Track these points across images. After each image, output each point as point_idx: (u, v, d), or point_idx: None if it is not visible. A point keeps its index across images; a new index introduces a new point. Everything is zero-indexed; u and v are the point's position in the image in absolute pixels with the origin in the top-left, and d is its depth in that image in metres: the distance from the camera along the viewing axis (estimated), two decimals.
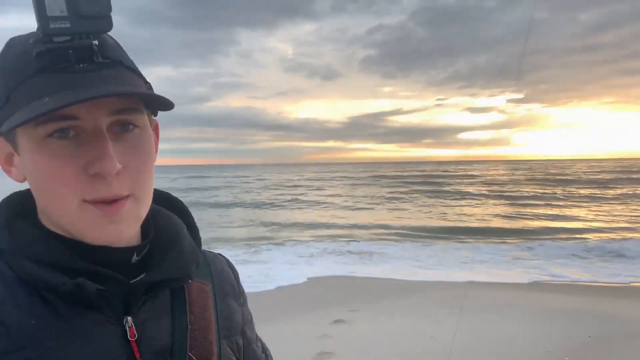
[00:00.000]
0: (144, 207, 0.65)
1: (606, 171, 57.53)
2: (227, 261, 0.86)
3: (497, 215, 19.61)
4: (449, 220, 18.29)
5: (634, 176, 42.77)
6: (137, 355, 0.63)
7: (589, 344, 5.12)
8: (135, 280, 0.65)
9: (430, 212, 21.77)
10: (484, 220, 18.26)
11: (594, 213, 19.85)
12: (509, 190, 32.06)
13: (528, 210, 20.87)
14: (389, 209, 23.02)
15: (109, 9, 0.57)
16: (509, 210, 21.34)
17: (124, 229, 0.61)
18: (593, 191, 29.54)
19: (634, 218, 17.71)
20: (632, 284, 8.13)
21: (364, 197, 29.30)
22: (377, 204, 25.59)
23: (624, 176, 43.28)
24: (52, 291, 0.60)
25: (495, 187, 34.68)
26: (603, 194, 27.56)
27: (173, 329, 0.68)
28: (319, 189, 38.67)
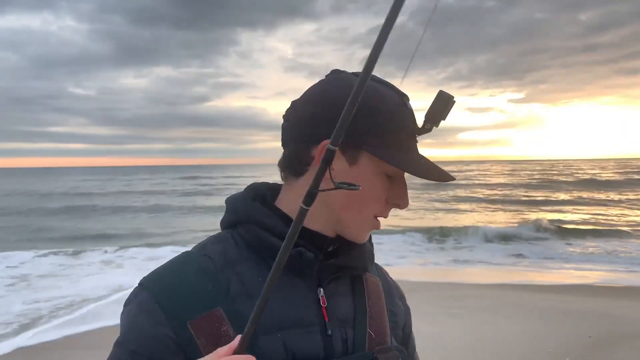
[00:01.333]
0: None
1: (618, 172, 57.41)
2: (387, 272, 1.06)
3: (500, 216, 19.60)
4: (448, 220, 18.28)
5: None
6: (326, 319, 0.82)
7: (589, 344, 5.12)
8: (328, 262, 0.85)
9: (429, 211, 21.77)
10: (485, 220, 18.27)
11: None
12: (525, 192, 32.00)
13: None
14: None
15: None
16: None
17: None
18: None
19: None
20: (632, 284, 8.14)
21: None
22: None
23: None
24: (273, 256, 0.73)
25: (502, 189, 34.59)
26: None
27: (355, 307, 0.87)
28: None
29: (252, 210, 0.84)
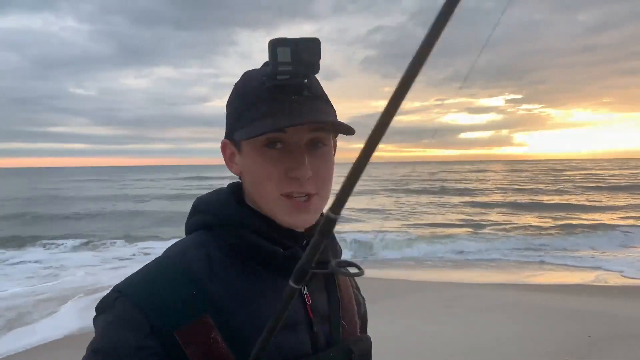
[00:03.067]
0: (325, 203, 0.83)
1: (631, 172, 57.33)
2: None
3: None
4: (447, 219, 18.28)
5: None
6: (311, 316, 0.84)
7: (589, 344, 5.12)
8: None
9: (433, 210, 21.76)
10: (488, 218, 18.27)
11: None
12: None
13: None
14: (390, 208, 23.01)
15: (319, 57, 0.75)
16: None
17: (309, 218, 0.81)
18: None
19: None
20: (632, 284, 8.14)
21: (363, 196, 29.28)
22: (378, 202, 25.57)
23: None
24: (255, 258, 0.81)
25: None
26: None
27: (329, 302, 0.89)
28: None
29: (237, 213, 0.83)
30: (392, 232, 14.62)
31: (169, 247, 0.85)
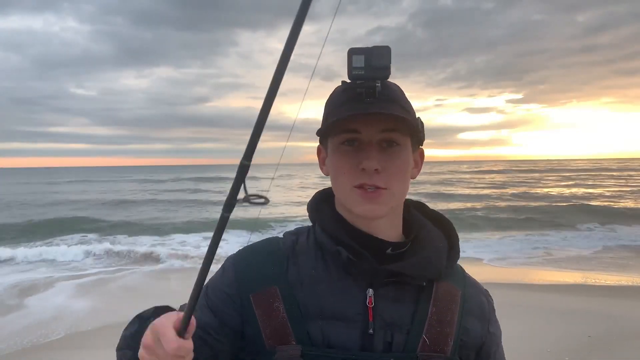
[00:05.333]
0: (396, 200, 0.90)
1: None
2: (487, 294, 1.05)
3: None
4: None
5: None
6: (371, 318, 0.87)
7: (589, 344, 5.12)
8: (382, 266, 0.88)
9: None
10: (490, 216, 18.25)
11: None
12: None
13: None
14: None
15: (390, 62, 0.84)
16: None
17: (376, 209, 0.87)
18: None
19: None
20: (632, 284, 8.13)
21: None
22: None
23: None
24: (329, 253, 0.91)
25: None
26: None
27: (414, 314, 0.89)
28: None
29: (316, 212, 0.98)
30: None
31: (287, 230, 1.02)
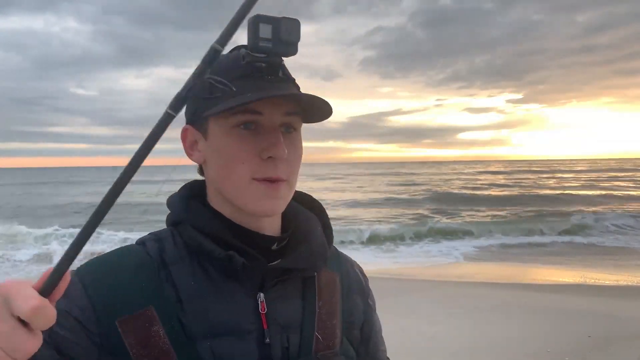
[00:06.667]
0: (292, 192, 0.81)
1: None
2: (359, 267, 0.99)
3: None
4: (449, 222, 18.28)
5: None
6: (265, 326, 0.77)
7: (589, 344, 5.12)
8: (271, 264, 0.78)
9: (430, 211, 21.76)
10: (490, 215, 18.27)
11: None
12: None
13: None
14: (390, 207, 22.99)
15: (299, 38, 0.72)
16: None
17: (277, 205, 0.77)
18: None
19: None
20: (632, 284, 8.14)
21: (362, 196, 29.29)
22: (379, 203, 25.56)
23: None
24: (208, 258, 0.77)
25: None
26: None
27: (303, 310, 0.81)
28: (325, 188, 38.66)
29: (187, 210, 0.81)
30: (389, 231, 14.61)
31: (141, 237, 0.83)
